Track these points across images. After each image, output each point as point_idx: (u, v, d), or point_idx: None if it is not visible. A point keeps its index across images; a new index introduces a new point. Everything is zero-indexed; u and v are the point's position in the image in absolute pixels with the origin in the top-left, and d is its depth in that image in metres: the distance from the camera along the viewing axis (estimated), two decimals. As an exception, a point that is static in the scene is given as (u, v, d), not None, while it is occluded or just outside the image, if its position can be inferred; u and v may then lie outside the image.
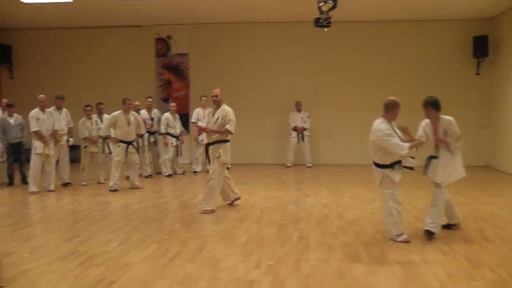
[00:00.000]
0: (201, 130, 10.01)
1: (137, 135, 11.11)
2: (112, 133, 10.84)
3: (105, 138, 11.47)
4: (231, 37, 15.40)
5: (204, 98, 13.03)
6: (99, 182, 11.33)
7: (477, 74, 14.67)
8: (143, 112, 12.74)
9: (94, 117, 11.48)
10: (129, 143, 10.71)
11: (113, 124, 10.66)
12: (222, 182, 8.50)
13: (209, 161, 8.57)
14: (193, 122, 13.02)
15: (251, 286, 4.71)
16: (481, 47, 14.28)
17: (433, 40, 14.82)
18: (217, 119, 8.40)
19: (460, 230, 6.87)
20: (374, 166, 6.44)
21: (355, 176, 12.42)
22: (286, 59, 15.28)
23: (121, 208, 8.64)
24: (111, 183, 10.44)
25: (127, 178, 11.33)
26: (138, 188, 10.72)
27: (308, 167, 14.31)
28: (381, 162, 6.34)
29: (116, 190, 10.35)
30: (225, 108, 8.48)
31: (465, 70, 14.75)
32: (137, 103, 12.49)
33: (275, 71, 15.30)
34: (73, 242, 6.34)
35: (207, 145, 8.67)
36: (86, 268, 5.25)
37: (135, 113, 11.29)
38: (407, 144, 6.21)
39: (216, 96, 8.57)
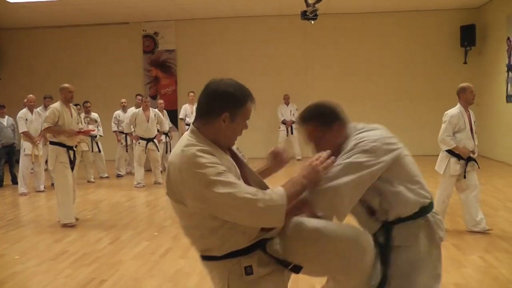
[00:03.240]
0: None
1: (159, 132, 11.19)
2: (133, 131, 11.04)
3: (94, 137, 11.48)
4: (219, 32, 15.39)
5: (191, 94, 13.09)
6: (89, 181, 11.31)
7: (465, 63, 14.76)
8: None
9: (82, 115, 11.43)
10: (149, 140, 10.76)
11: (133, 122, 10.82)
12: None
13: None
14: (181, 118, 13.10)
15: (241, 279, 4.73)
16: (468, 37, 14.37)
17: (421, 30, 14.90)
18: None
19: (450, 219, 6.94)
20: None
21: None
22: (274, 53, 15.29)
23: (112, 207, 8.63)
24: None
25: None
26: (160, 184, 10.66)
27: (298, 160, 14.36)
28: None
29: (141, 187, 10.50)
30: None
31: (453, 59, 14.83)
32: (123, 100, 12.49)
33: (262, 65, 15.31)
34: (63, 242, 6.33)
35: None
36: (77, 267, 5.26)
37: (156, 110, 11.34)
38: None
39: None
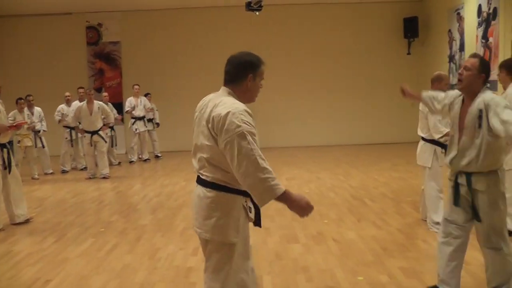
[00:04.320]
0: None
1: (105, 125, 11.07)
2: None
3: (38, 132, 11.15)
4: (164, 24, 15.16)
5: (136, 86, 13.01)
6: (33, 178, 10.94)
7: (408, 54, 15.13)
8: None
9: (26, 110, 11.06)
10: (93, 132, 10.66)
11: (78, 115, 10.77)
12: None
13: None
14: (127, 111, 12.92)
15: (190, 273, 4.71)
16: (411, 28, 14.76)
17: (366, 22, 15.15)
18: None
19: (395, 204, 7.10)
20: None
21: (292, 158, 12.56)
22: (221, 45, 15.12)
23: (57, 203, 8.38)
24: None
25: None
26: (107, 178, 10.60)
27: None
28: None
29: (90, 178, 10.60)
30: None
31: (397, 50, 15.17)
32: (67, 93, 12.17)
33: (210, 58, 15.13)
34: (7, 242, 6.10)
35: None
36: (21, 268, 5.08)
37: (101, 102, 11.18)
38: None
39: None
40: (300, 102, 14.86)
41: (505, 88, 5.59)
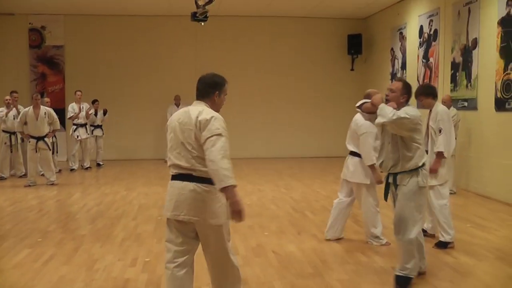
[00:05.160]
0: None
1: (53, 131, 10.90)
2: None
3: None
4: (109, 30, 14.95)
5: (78, 93, 12.86)
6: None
7: (352, 70, 15.53)
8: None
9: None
10: (39, 138, 10.40)
11: (24, 120, 10.48)
12: None
13: None
14: (71, 117, 12.65)
15: (127, 284, 4.64)
16: (355, 45, 15.16)
17: (311, 37, 15.44)
18: None
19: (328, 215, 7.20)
20: None
21: (236, 169, 12.49)
22: (165, 53, 15.08)
23: (-8, 211, 8.07)
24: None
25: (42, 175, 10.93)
26: (53, 184, 10.42)
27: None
28: None
29: (30, 186, 10.30)
30: None
31: (341, 66, 15.54)
32: (7, 97, 11.76)
33: (154, 66, 15.06)
34: None
35: None
36: (-51, 279, 4.87)
37: (48, 108, 10.91)
38: None
39: None
40: (244, 115, 14.90)
41: (431, 109, 5.96)
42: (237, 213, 3.39)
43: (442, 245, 5.77)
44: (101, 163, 13.48)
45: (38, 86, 14.81)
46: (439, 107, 5.94)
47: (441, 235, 5.80)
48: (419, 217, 4.51)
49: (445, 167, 5.88)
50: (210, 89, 3.70)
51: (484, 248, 5.81)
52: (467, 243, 6.00)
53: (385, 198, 4.72)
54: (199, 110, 3.58)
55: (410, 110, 4.37)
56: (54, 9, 14.12)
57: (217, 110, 3.70)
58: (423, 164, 4.49)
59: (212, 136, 3.41)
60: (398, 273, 4.51)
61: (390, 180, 4.59)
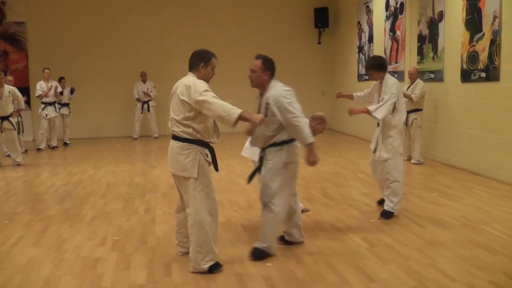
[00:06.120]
0: None
1: (17, 111, 10.62)
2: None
3: None
4: (73, 6, 14.57)
5: (47, 70, 12.48)
6: None
7: (319, 43, 15.55)
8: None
9: None
10: (3, 118, 10.10)
11: None
12: None
13: None
14: (38, 96, 12.36)
15: (97, 263, 4.61)
16: (321, 18, 15.16)
17: (277, 11, 15.37)
18: None
19: (304, 191, 7.28)
20: None
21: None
22: (131, 28, 14.81)
23: (-45, 194, 7.88)
24: None
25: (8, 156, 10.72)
26: (20, 165, 10.16)
27: (155, 138, 14.31)
28: None
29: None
30: None
31: (308, 39, 15.54)
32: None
33: (120, 42, 14.79)
34: None
35: None
36: None
37: (13, 87, 10.60)
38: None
39: None
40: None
41: (381, 81, 5.97)
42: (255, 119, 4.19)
43: (386, 215, 5.90)
44: (68, 142, 13.27)
45: (1, 64, 14.41)
46: (389, 79, 5.89)
47: (386, 204, 5.93)
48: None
49: (399, 140, 5.88)
50: (197, 61, 4.32)
51: (450, 216, 5.96)
52: (434, 212, 6.14)
53: (260, 172, 4.76)
54: (187, 80, 4.24)
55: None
56: (14, -16, 13.70)
57: (206, 81, 4.31)
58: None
59: (196, 98, 4.08)
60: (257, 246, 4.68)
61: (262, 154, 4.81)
